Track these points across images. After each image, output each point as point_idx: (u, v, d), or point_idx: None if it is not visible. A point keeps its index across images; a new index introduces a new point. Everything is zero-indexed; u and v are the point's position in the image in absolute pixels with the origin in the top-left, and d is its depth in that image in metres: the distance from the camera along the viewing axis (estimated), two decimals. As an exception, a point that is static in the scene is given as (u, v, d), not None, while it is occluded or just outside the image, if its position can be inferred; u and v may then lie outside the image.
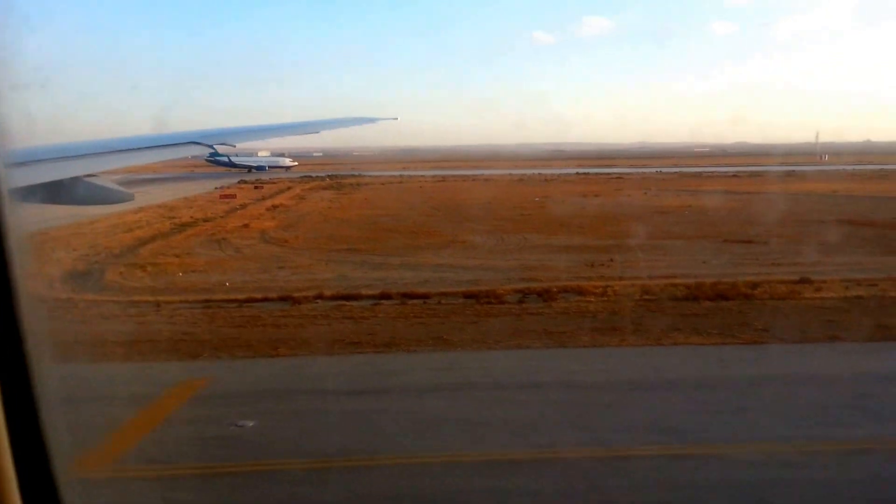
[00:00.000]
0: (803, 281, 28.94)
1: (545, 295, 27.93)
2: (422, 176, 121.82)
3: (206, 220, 59.27)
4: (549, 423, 14.71)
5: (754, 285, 28.22)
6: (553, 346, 20.96)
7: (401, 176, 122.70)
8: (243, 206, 71.45)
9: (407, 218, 60.00)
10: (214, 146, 14.00)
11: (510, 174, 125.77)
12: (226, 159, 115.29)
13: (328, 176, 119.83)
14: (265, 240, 48.25)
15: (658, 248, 40.80)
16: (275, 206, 71.79)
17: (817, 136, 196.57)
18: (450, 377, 18.27)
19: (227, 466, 13.13)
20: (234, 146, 13.87)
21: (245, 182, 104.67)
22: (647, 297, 27.51)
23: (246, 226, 55.24)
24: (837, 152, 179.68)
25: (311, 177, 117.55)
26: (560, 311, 25.46)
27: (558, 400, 16.13)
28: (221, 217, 62.28)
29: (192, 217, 61.38)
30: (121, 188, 10.44)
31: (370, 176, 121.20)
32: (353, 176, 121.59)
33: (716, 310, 24.86)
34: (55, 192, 8.49)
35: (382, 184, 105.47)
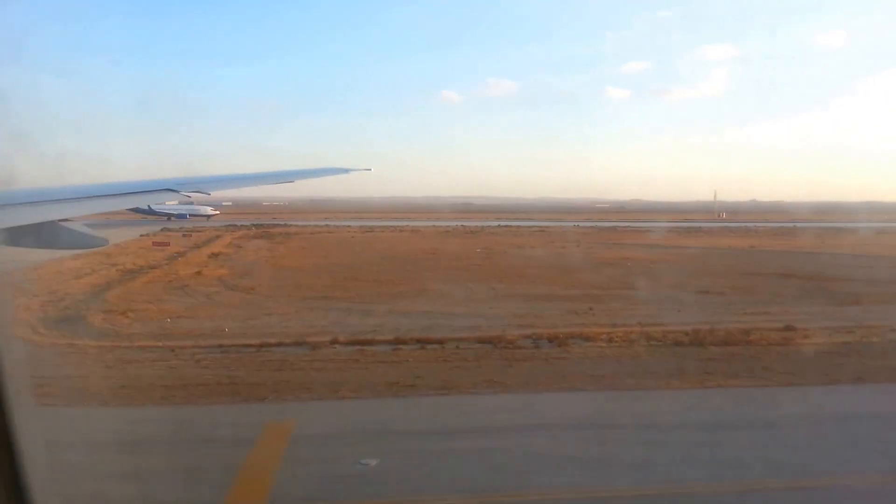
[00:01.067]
0: (788, 328, 31.14)
1: (556, 341, 28.97)
2: (347, 226, 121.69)
3: (152, 268, 57.79)
4: (662, 461, 15.50)
5: (747, 332, 30.10)
6: (604, 388, 21.91)
7: (326, 226, 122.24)
8: (181, 254, 69.78)
9: (359, 267, 60.00)
10: (189, 194, 14.28)
11: (434, 225, 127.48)
12: (145, 206, 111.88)
13: (253, 225, 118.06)
14: (229, 287, 47.47)
15: (625, 297, 42.69)
16: (215, 255, 70.36)
17: (715, 195, 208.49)
18: (532, 418, 18.89)
19: (379, 501, 13.44)
20: (209, 194, 14.21)
21: (169, 230, 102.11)
22: (653, 343, 28.93)
23: (199, 273, 54.15)
24: (731, 210, 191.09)
25: (235, 225, 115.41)
26: (582, 357, 26.52)
27: (654, 440, 16.98)
28: (166, 264, 60.83)
29: (135, 264, 59.67)
30: (95, 233, 10.67)
31: (295, 226, 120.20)
32: (279, 225, 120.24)
33: (728, 355, 26.48)
34: (29, 235, 8.65)
35: (311, 233, 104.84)
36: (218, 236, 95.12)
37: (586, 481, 14.37)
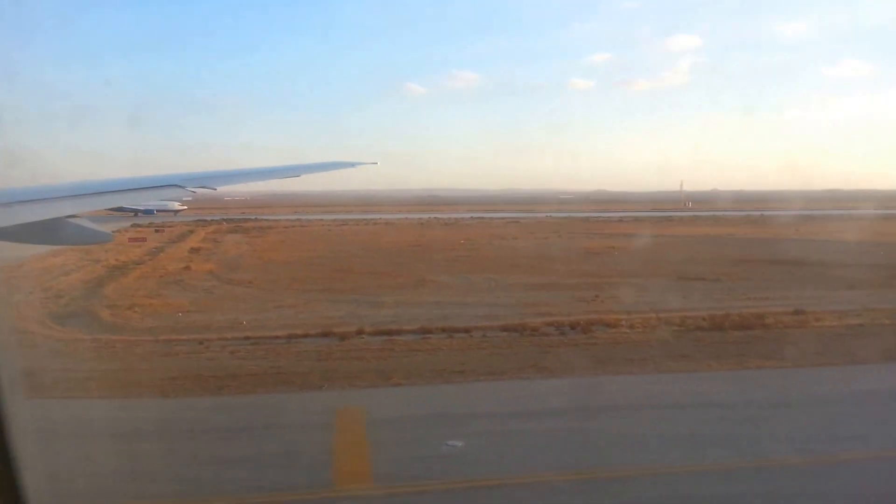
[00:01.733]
0: (798, 312, 31.81)
1: (578, 328, 29.18)
2: (319, 220, 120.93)
3: (136, 264, 56.74)
4: (742, 437, 15.78)
5: (761, 317, 30.62)
6: (649, 372, 22.08)
7: (298, 220, 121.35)
8: (161, 250, 68.77)
9: (347, 260, 59.63)
10: (195, 189, 14.28)
11: (406, 218, 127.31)
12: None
13: (223, 220, 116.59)
14: (225, 281, 46.90)
15: (625, 285, 43.07)
16: (195, 249, 69.50)
17: (682, 185, 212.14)
18: (596, 400, 19.03)
19: (483, 480, 13.61)
20: (216, 189, 14.31)
21: (139, 225, 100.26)
22: (676, 328, 29.30)
23: (187, 268, 53.41)
24: (697, 200, 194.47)
25: (204, 220, 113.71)
26: (611, 342, 26.80)
27: (721, 417, 17.25)
28: (149, 260, 59.95)
29: (117, 260, 58.45)
30: (100, 229, 10.59)
31: (266, 220, 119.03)
32: (249, 220, 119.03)
33: (751, 338, 26.96)
34: (36, 232, 8.63)
35: (285, 227, 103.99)
36: (191, 231, 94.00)
37: (681, 458, 14.64)
